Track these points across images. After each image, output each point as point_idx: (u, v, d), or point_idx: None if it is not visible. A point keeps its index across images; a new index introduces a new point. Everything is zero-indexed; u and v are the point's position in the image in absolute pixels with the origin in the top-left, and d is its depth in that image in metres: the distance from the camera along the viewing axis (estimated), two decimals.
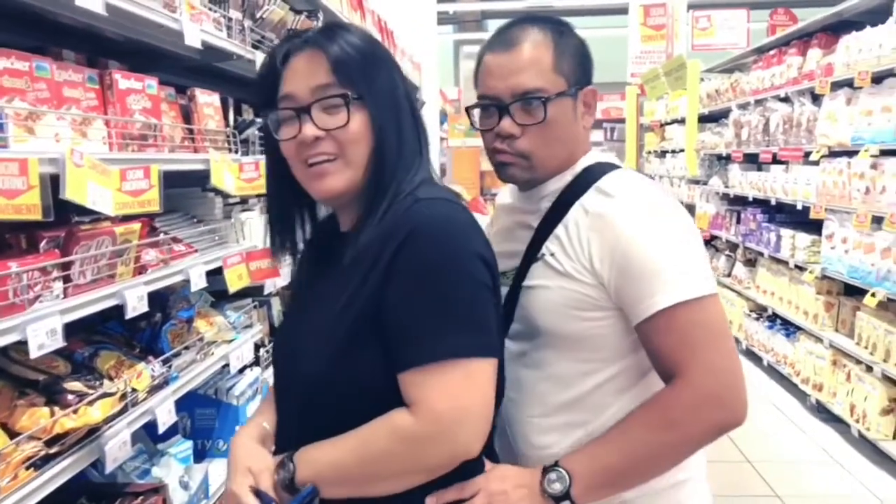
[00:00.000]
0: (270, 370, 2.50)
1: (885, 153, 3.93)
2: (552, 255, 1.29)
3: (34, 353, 1.29)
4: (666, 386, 1.22)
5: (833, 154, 4.53)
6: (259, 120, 2.60)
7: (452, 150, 6.03)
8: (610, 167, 1.34)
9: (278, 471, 1.14)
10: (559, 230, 1.30)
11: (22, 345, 1.37)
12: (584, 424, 1.29)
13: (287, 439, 1.21)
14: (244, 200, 2.61)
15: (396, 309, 1.08)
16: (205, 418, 2.22)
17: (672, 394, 1.20)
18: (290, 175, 1.22)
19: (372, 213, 1.15)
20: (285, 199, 1.28)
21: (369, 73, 1.18)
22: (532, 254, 1.33)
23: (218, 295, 2.35)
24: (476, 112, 1.37)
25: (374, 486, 1.11)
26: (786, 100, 5.35)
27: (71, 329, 1.39)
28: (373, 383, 1.11)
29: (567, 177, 1.34)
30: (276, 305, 2.84)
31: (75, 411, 1.42)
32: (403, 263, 1.08)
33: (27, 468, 1.30)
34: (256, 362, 2.42)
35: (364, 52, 1.19)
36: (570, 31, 1.37)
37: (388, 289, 1.09)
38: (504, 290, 1.34)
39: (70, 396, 1.45)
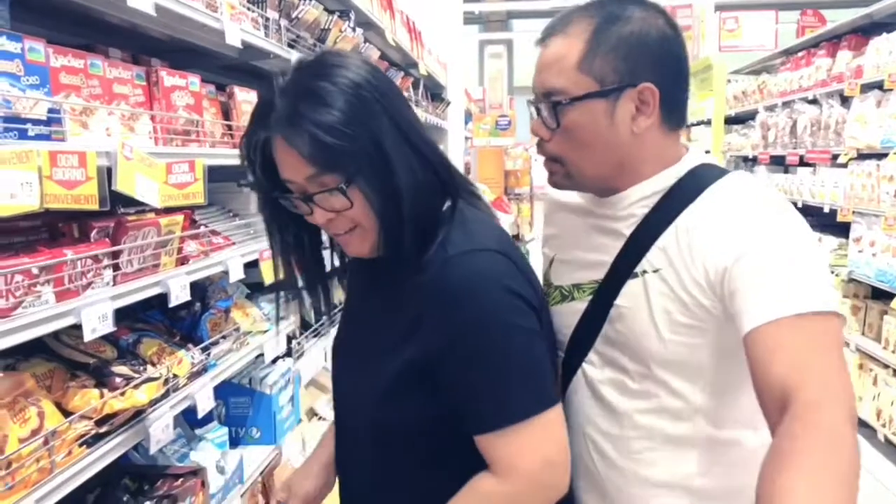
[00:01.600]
0: (302, 361, 2.57)
1: None
2: (656, 271, 1.14)
3: (88, 337, 1.35)
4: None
5: (862, 157, 4.51)
6: None
7: (477, 150, 6.07)
8: (719, 171, 1.19)
9: None
10: (665, 241, 1.14)
11: (73, 329, 1.44)
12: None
13: (347, 461, 1.32)
14: None
15: (456, 378, 1.12)
16: (239, 406, 2.29)
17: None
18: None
19: (397, 249, 1.14)
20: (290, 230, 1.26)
21: (348, 151, 1.09)
22: (626, 268, 1.18)
23: (253, 287, 2.41)
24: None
25: None
26: (814, 102, 5.32)
27: (116, 316, 1.45)
28: (417, 426, 1.17)
29: (664, 181, 1.18)
30: (307, 299, 2.90)
31: (122, 394, 1.49)
32: (451, 329, 1.10)
33: (80, 445, 1.36)
34: (289, 353, 2.48)
35: (335, 130, 1.08)
36: (630, 17, 1.15)
37: (439, 356, 1.12)
38: (578, 305, 1.25)
39: (118, 380, 1.51)
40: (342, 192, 1.11)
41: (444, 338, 1.11)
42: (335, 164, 1.09)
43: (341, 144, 1.08)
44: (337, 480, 1.38)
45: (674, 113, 1.19)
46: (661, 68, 1.16)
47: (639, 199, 1.19)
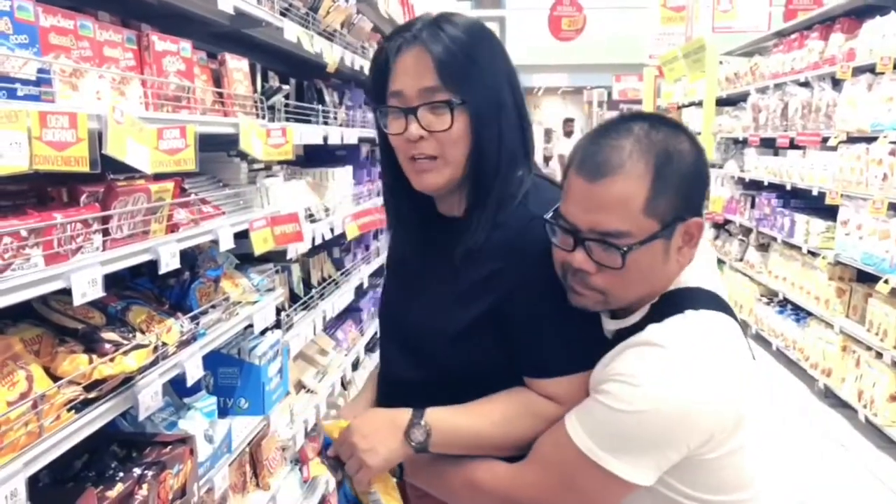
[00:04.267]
0: (291, 333, 2.56)
1: None
2: None
3: (77, 301, 1.34)
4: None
5: (851, 140, 4.53)
6: (286, 87, 2.64)
7: None
8: (689, 301, 1.20)
9: (410, 429, 1.27)
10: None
11: (62, 294, 1.42)
12: None
13: (395, 391, 1.42)
14: (268, 166, 2.65)
15: (530, 329, 1.26)
16: (227, 377, 2.28)
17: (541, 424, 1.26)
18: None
19: (480, 208, 1.27)
20: (394, 176, 1.37)
21: (473, 75, 1.22)
22: None
23: (242, 259, 2.40)
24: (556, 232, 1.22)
25: (499, 453, 1.30)
26: (805, 84, 5.33)
27: (104, 283, 1.44)
28: (482, 368, 1.30)
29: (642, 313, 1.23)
30: (296, 272, 2.89)
31: (112, 360, 1.48)
32: (534, 285, 1.25)
33: (68, 410, 1.36)
34: (278, 325, 2.47)
35: (469, 52, 1.23)
36: (684, 148, 1.18)
37: (515, 305, 1.25)
38: None
39: (107, 345, 1.50)
40: (450, 109, 1.20)
41: (525, 292, 1.24)
42: (458, 81, 1.21)
43: (469, 65, 1.21)
44: None
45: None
46: (702, 196, 1.22)
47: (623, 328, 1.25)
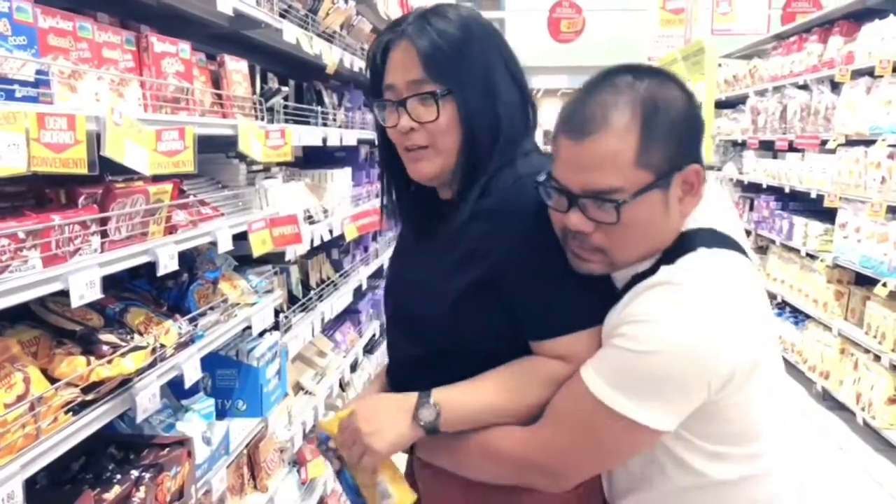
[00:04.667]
0: (289, 334, 2.56)
1: None
2: None
3: (75, 303, 1.33)
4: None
5: (850, 143, 4.53)
6: (285, 89, 2.64)
7: None
8: (701, 240, 1.17)
9: (418, 410, 1.26)
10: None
11: (60, 295, 1.42)
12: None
13: (402, 375, 1.44)
14: (267, 168, 2.65)
15: (525, 291, 1.24)
16: (225, 378, 2.28)
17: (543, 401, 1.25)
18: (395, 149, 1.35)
19: (471, 188, 1.27)
20: (393, 169, 1.40)
21: (459, 65, 1.24)
22: None
23: (240, 260, 2.39)
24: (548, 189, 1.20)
25: (513, 423, 1.27)
26: (804, 87, 5.34)
27: (102, 285, 1.44)
28: (479, 343, 1.28)
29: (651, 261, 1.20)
30: (295, 273, 2.89)
31: (109, 361, 1.47)
32: (523, 245, 1.23)
33: (66, 413, 1.35)
34: (276, 327, 2.47)
35: (455, 43, 1.25)
36: (672, 95, 1.16)
37: (508, 268, 1.23)
38: None
39: (105, 347, 1.50)
40: (435, 101, 1.23)
41: (517, 253, 1.23)
42: (443, 72, 1.23)
43: (456, 57, 1.24)
44: None
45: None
46: (697, 143, 1.19)
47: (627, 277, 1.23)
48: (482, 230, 1.24)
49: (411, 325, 1.39)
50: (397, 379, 1.45)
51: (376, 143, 1.44)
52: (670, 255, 1.18)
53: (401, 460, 1.41)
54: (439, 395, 1.27)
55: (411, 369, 1.39)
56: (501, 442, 1.25)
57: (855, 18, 4.98)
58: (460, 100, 1.24)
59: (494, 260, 1.23)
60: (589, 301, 1.23)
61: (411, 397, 1.28)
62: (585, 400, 1.16)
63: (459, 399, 1.27)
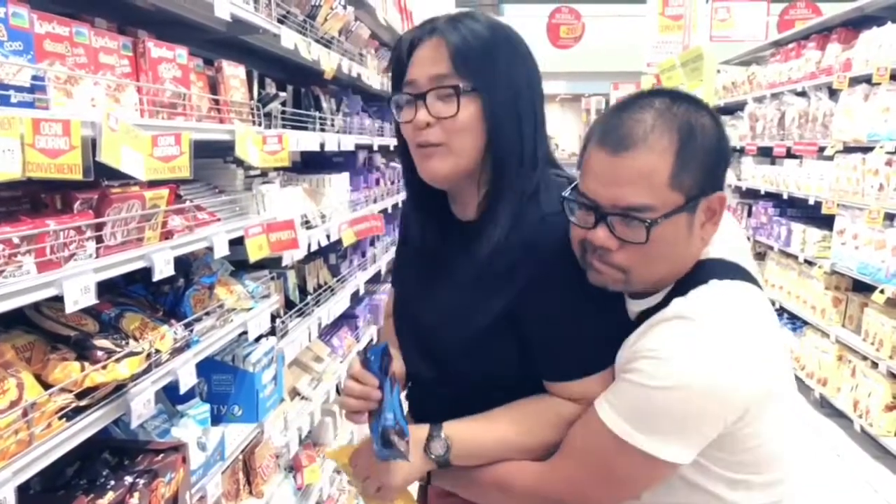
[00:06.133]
0: (286, 340, 2.55)
1: None
2: None
3: (70, 309, 1.33)
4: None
5: (848, 150, 4.54)
6: (283, 94, 2.64)
7: None
8: (713, 272, 1.18)
9: (430, 443, 1.27)
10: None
11: (55, 301, 1.41)
12: None
13: (416, 391, 1.46)
14: (264, 173, 2.65)
15: (546, 331, 1.25)
16: (221, 384, 2.27)
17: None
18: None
19: (496, 210, 1.26)
20: (415, 184, 1.37)
21: (488, 64, 1.22)
22: None
23: (237, 265, 2.39)
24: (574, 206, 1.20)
25: (526, 459, 1.28)
26: (802, 94, 5.35)
27: (98, 290, 1.43)
28: (497, 377, 1.29)
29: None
30: (292, 278, 2.88)
31: (104, 367, 1.47)
32: (546, 284, 1.23)
33: (60, 418, 1.35)
34: (272, 332, 2.47)
35: (487, 42, 1.23)
36: (706, 122, 1.16)
37: (530, 307, 1.24)
38: None
39: (99, 353, 1.49)
40: (456, 96, 1.20)
41: (540, 293, 1.23)
42: (472, 70, 1.21)
43: (485, 57, 1.22)
44: None
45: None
46: (723, 172, 1.20)
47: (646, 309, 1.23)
48: (509, 263, 1.24)
49: (426, 348, 1.38)
50: (410, 390, 1.47)
51: (397, 149, 1.41)
52: (682, 287, 1.18)
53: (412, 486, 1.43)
54: (451, 429, 1.28)
55: (424, 386, 1.42)
56: (518, 475, 1.27)
57: (853, 26, 4.99)
58: (486, 101, 1.23)
59: (518, 298, 1.24)
60: (607, 345, 1.23)
61: (423, 430, 1.29)
62: (601, 434, 1.17)
63: (471, 434, 1.28)
